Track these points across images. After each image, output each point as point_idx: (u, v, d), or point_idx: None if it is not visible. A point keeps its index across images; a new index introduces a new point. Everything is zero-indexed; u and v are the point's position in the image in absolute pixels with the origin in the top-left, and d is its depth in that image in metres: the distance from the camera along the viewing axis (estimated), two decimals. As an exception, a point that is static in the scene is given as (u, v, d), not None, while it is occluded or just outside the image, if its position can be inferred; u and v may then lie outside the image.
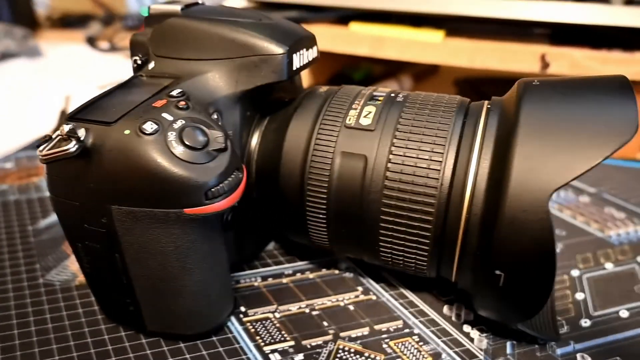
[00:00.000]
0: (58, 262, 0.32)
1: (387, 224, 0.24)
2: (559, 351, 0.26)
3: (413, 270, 0.26)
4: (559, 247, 0.35)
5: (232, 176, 0.22)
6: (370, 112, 0.25)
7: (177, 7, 0.27)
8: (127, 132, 0.21)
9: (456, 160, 0.23)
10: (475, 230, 0.22)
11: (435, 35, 0.48)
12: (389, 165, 0.24)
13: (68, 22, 1.04)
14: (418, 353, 0.26)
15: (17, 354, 0.25)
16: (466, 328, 0.27)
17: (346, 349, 0.26)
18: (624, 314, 0.28)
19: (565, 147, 0.20)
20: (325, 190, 0.25)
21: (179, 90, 0.23)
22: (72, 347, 0.26)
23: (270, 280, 0.31)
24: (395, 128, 0.24)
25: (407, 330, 0.27)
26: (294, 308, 0.29)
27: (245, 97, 0.26)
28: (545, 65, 0.45)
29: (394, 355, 0.25)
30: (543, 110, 0.21)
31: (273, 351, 0.26)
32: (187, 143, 0.21)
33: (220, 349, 0.26)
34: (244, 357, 0.25)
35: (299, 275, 0.31)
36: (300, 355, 0.25)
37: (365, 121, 0.25)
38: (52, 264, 0.32)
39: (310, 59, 0.28)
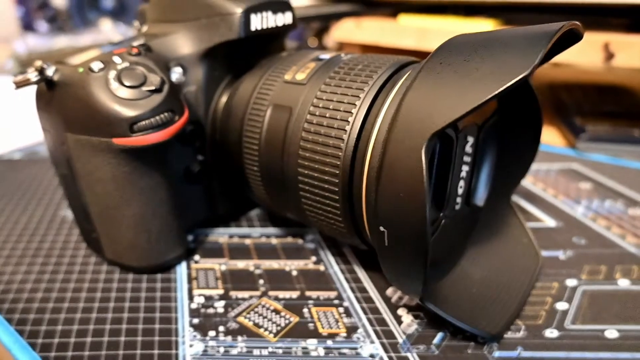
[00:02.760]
0: (80, 202, 0.38)
1: (303, 177, 0.23)
2: (497, 354, 0.22)
3: (339, 234, 0.25)
4: (566, 255, 0.29)
5: (163, 115, 0.24)
6: (308, 68, 0.25)
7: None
8: (80, 70, 0.24)
9: (368, 111, 0.21)
10: (372, 185, 0.20)
11: (484, 25, 0.45)
12: (308, 116, 0.23)
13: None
14: (334, 323, 0.24)
15: (9, 268, 0.30)
16: (401, 311, 0.25)
17: (266, 305, 0.26)
18: (612, 334, 0.23)
19: (454, 88, 0.17)
20: (256, 142, 0.25)
21: (141, 42, 0.26)
22: (51, 261, 0.30)
23: (235, 239, 0.32)
24: (323, 81, 0.24)
25: (336, 302, 0.26)
26: (241, 265, 0.29)
27: (209, 56, 0.28)
28: (609, 55, 0.39)
29: (308, 320, 0.24)
30: (452, 53, 0.19)
31: (200, 295, 0.27)
32: (123, 81, 0.24)
33: (158, 284, 0.28)
34: (172, 294, 0.27)
35: (263, 239, 0.32)
36: (222, 303, 0.26)
37: (300, 76, 0.25)
38: (76, 203, 0.38)
39: (280, 24, 0.29)
